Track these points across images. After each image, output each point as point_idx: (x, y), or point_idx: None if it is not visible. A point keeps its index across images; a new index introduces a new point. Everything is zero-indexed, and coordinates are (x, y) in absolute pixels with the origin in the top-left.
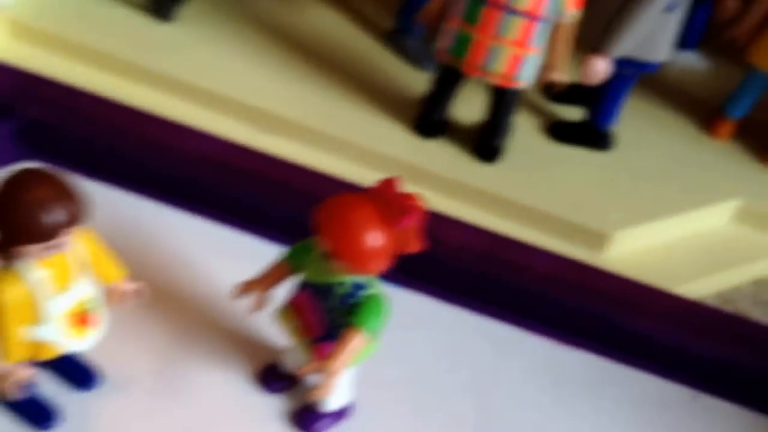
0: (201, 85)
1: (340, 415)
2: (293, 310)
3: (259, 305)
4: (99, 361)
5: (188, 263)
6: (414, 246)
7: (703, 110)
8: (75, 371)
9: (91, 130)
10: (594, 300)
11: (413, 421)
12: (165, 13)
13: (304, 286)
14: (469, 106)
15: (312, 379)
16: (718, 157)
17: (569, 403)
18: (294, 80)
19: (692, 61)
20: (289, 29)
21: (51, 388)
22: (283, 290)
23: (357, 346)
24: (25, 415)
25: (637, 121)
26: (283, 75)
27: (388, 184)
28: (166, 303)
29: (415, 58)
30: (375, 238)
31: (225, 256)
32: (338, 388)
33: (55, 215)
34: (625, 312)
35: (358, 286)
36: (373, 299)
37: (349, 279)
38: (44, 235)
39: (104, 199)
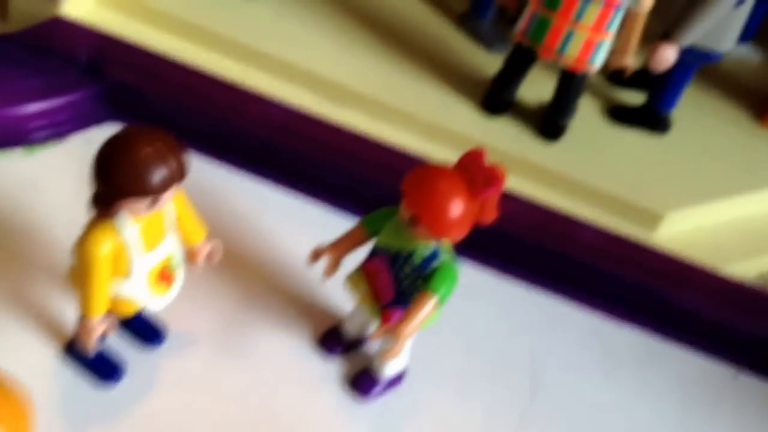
0: (281, 57)
1: (395, 381)
2: (365, 276)
3: (332, 269)
4: (166, 319)
5: (259, 229)
6: (491, 216)
7: (755, 100)
8: (142, 328)
9: (174, 96)
10: (642, 276)
11: (465, 388)
12: None
13: (378, 252)
14: (533, 87)
15: (374, 345)
16: None
17: (616, 376)
18: (369, 56)
19: (746, 53)
20: (367, 7)
21: (118, 344)
22: (354, 258)
23: (429, 311)
24: (92, 369)
25: (692, 109)
26: (359, 51)
27: (474, 156)
28: (234, 266)
29: (486, 40)
30: (459, 207)
31: (295, 224)
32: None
33: (165, 172)
34: (671, 288)
35: (435, 254)
36: (447, 267)
37: (426, 246)
38: (153, 190)
39: None
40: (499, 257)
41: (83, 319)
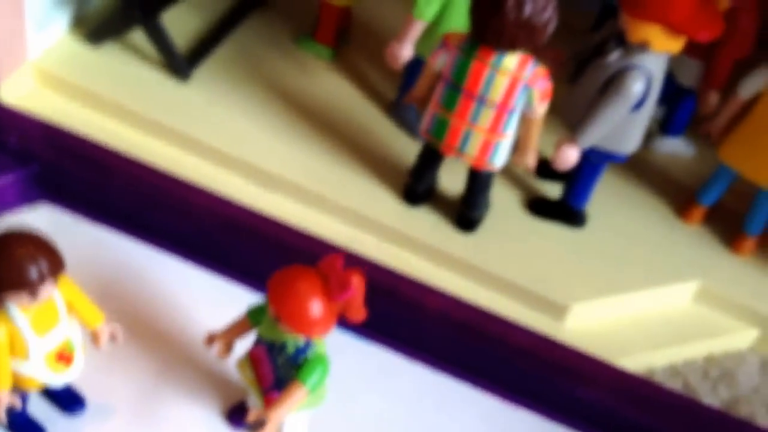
0: (209, 142)
1: None
2: (250, 361)
3: (223, 353)
4: (85, 388)
5: (178, 306)
6: (357, 315)
7: (681, 194)
8: (62, 397)
9: (102, 179)
10: (541, 366)
11: None
12: (181, 72)
13: (260, 341)
14: (456, 177)
15: None
16: (686, 239)
17: None
18: (297, 142)
19: (679, 146)
20: (298, 92)
21: (40, 410)
22: (246, 342)
23: (298, 398)
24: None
25: (615, 200)
26: (287, 136)
27: (332, 261)
28: (152, 341)
29: (412, 128)
30: (317, 307)
31: (213, 303)
32: (289, 430)
33: (37, 269)
34: (568, 378)
35: (305, 347)
36: (316, 359)
37: (296, 339)
38: (26, 285)
39: (108, 242)
40: (409, 341)
41: None
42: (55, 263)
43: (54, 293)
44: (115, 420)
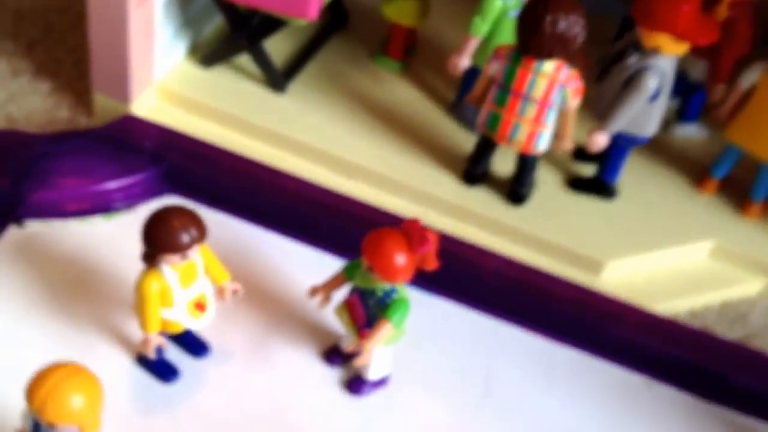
0: (301, 141)
1: (380, 383)
2: (346, 307)
3: (324, 302)
4: (209, 336)
5: (280, 273)
6: (431, 265)
7: (697, 170)
8: (191, 343)
9: (216, 173)
10: (583, 310)
11: (432, 388)
12: (278, 86)
13: (354, 290)
14: (506, 161)
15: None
16: (702, 206)
17: (556, 384)
18: (374, 138)
19: (693, 131)
20: (373, 98)
21: (173, 354)
22: (340, 293)
23: (385, 332)
24: (154, 372)
25: (641, 176)
26: (365, 134)
27: (412, 223)
28: (260, 299)
29: (469, 124)
30: (401, 259)
31: (305, 267)
32: (376, 361)
33: (189, 236)
34: (606, 320)
35: (390, 291)
36: (400, 301)
37: (384, 286)
38: (180, 249)
39: (224, 224)
40: (468, 294)
41: (144, 334)
42: (201, 232)
43: (196, 255)
44: (233, 362)
